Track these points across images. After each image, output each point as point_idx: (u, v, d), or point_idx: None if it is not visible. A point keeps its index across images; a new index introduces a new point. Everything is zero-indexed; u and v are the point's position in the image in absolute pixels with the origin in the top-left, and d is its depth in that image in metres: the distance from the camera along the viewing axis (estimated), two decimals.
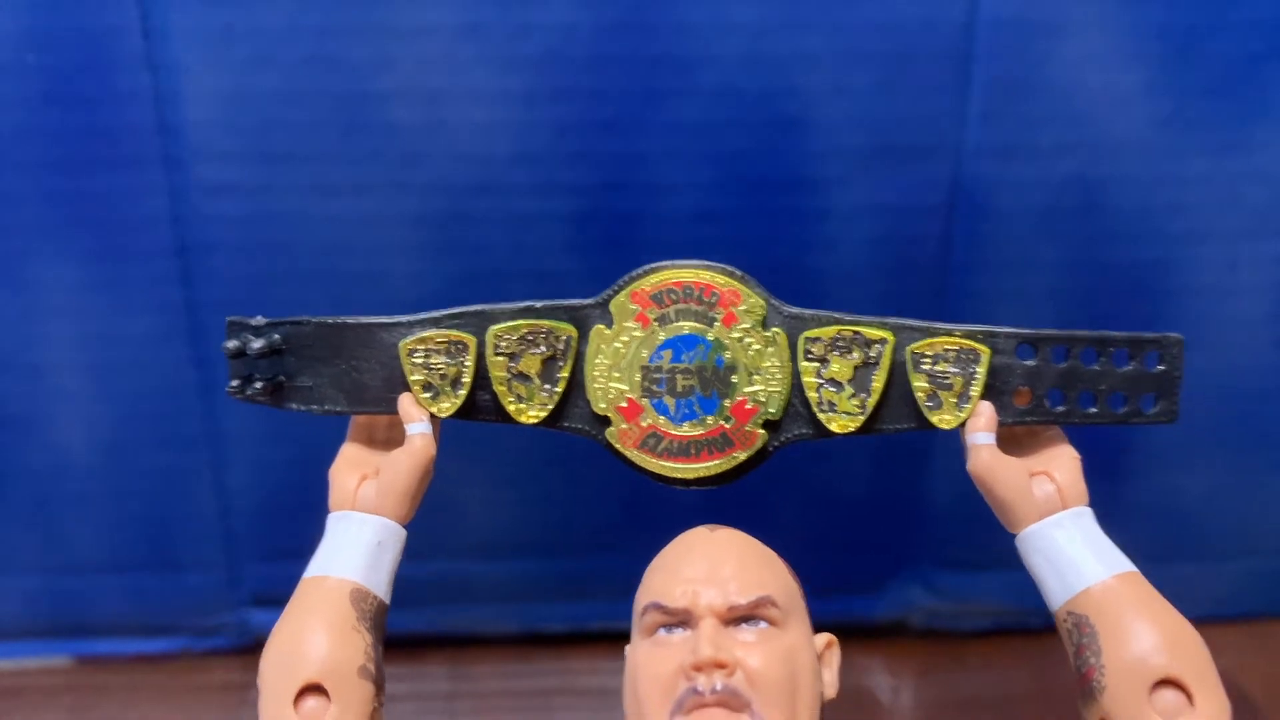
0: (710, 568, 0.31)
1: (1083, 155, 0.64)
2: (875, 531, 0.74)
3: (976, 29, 0.62)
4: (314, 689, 0.33)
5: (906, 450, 0.72)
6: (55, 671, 0.74)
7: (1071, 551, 0.35)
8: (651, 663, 0.30)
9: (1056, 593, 0.35)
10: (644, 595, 0.32)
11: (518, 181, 0.63)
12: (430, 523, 0.70)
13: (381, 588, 0.35)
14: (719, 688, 0.29)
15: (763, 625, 0.31)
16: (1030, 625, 0.76)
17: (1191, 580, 0.76)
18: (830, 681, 0.33)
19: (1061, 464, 0.37)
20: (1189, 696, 0.32)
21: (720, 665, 0.30)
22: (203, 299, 0.64)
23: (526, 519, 0.72)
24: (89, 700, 0.73)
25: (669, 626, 0.31)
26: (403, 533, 0.36)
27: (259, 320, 0.39)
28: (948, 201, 0.65)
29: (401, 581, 0.67)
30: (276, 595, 0.71)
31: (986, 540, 0.74)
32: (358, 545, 0.35)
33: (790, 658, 0.31)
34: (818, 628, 0.75)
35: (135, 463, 0.69)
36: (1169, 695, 0.32)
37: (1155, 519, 0.74)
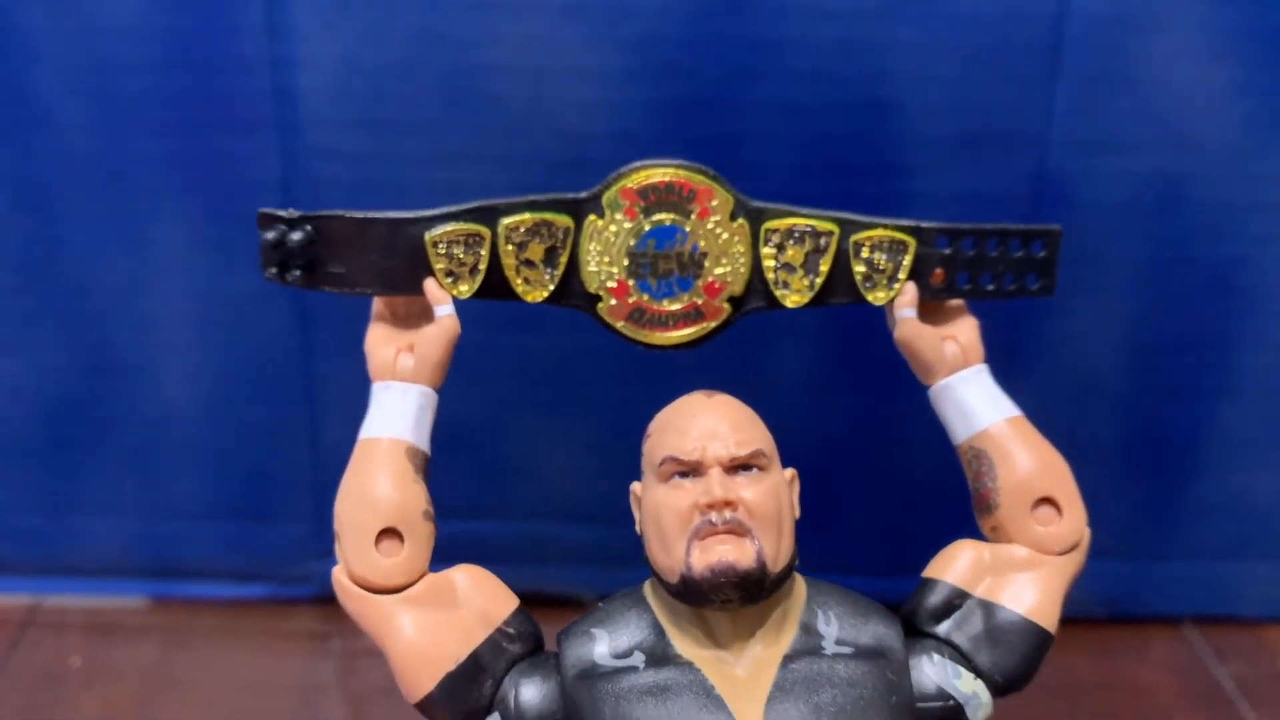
0: (714, 427, 0.39)
1: (1166, 151, 0.65)
2: (943, 516, 0.75)
3: (1067, 22, 0.63)
4: (388, 533, 0.39)
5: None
6: (149, 611, 0.78)
7: (973, 400, 0.43)
8: (671, 501, 0.38)
9: (960, 431, 0.43)
10: (660, 449, 0.39)
11: (612, 158, 0.65)
12: (514, 485, 0.75)
13: (426, 445, 0.42)
14: (728, 518, 0.37)
15: (755, 471, 0.38)
16: (1093, 615, 0.77)
17: (1262, 578, 0.77)
18: (795, 505, 0.41)
19: (965, 329, 0.44)
20: (1059, 510, 0.42)
21: (728, 503, 0.37)
22: None
23: (602, 486, 0.74)
24: (179, 640, 0.76)
25: (682, 474, 0.38)
26: (437, 397, 0.42)
27: (291, 213, 0.43)
28: (1032, 191, 0.66)
29: (484, 539, 0.70)
30: None
31: None
32: (405, 410, 0.41)
33: (776, 493, 0.39)
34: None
35: (235, 416, 0.72)
36: (1045, 510, 0.42)
37: (1226, 516, 0.75)
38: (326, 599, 0.79)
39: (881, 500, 0.75)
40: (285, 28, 0.63)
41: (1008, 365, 0.72)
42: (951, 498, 0.76)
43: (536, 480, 0.73)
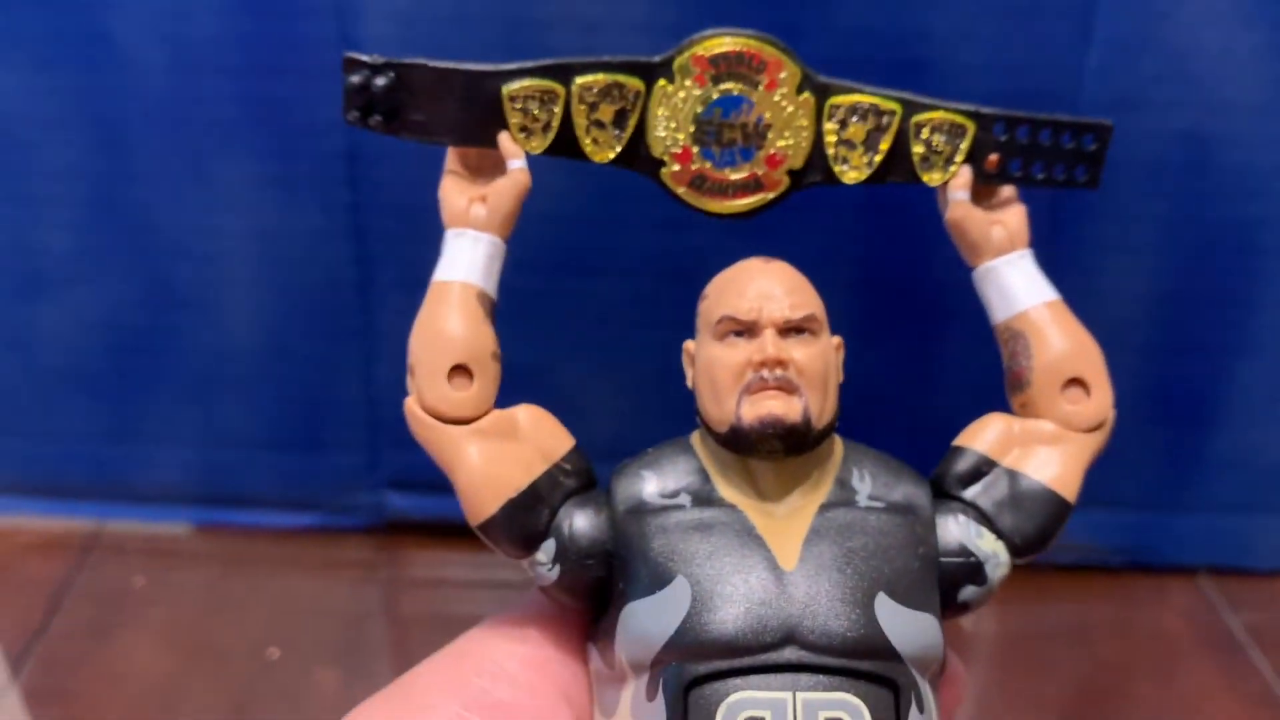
0: (771, 290, 0.40)
1: (1194, 112, 0.67)
2: None
3: None
4: (459, 369, 0.41)
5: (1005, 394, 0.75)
6: (206, 536, 0.81)
7: (1015, 282, 0.43)
8: (726, 357, 0.40)
9: (1000, 312, 0.44)
10: (718, 308, 0.40)
11: None
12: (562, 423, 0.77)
13: (495, 291, 0.43)
14: (778, 376, 0.39)
15: (806, 334, 0.40)
16: (1111, 564, 0.80)
17: (1272, 532, 0.79)
18: (840, 370, 0.42)
19: (1013, 215, 0.45)
20: (1088, 391, 0.42)
21: (780, 362, 0.39)
22: (366, 202, 0.70)
23: (646, 426, 0.77)
24: (234, 564, 0.79)
25: (738, 333, 0.40)
26: (505, 248, 0.43)
27: (376, 58, 0.43)
28: None
29: None
30: (411, 480, 0.78)
31: None
32: (476, 257, 0.42)
33: (824, 357, 0.40)
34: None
35: (293, 350, 0.75)
36: (1074, 390, 0.43)
37: (1242, 471, 0.77)
38: (376, 529, 0.83)
39: (913, 450, 0.77)
40: None
41: None
42: None
43: (583, 420, 0.76)
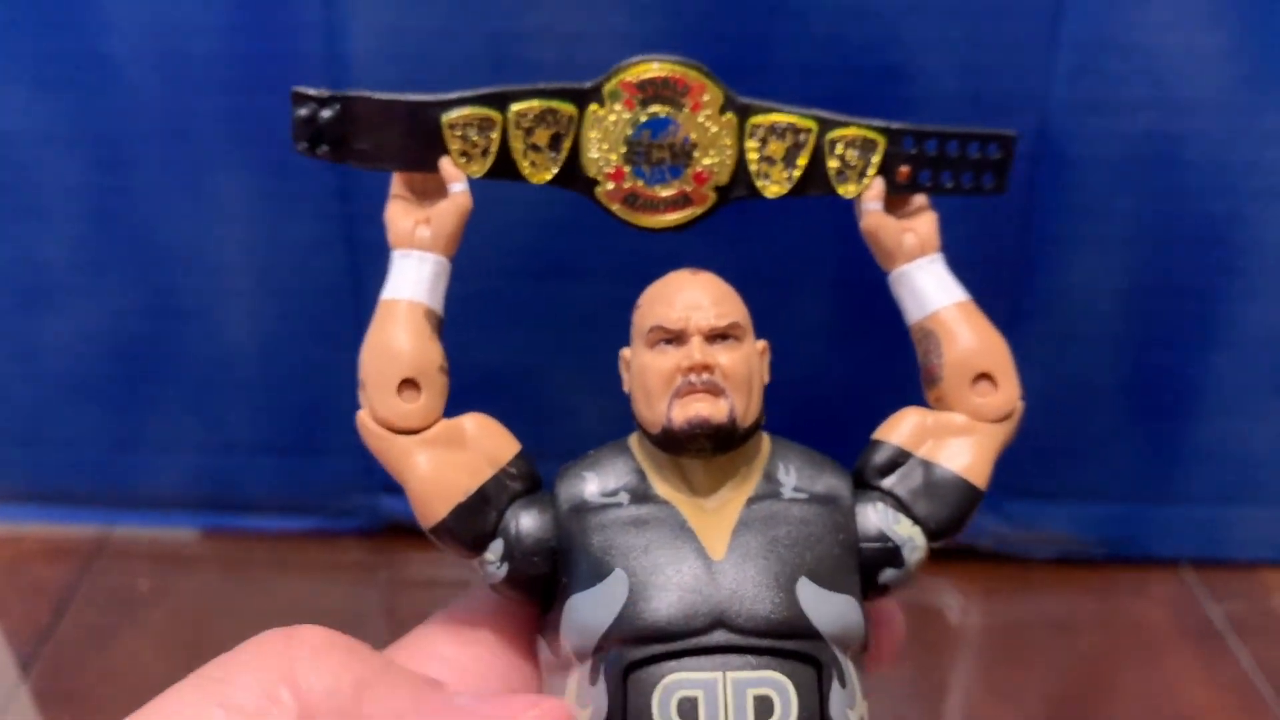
0: (697, 300, 0.43)
1: (1163, 111, 0.68)
2: None
3: None
4: (408, 383, 0.43)
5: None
6: (207, 541, 0.83)
7: (926, 285, 0.46)
8: (656, 364, 0.42)
9: (913, 313, 0.46)
10: (649, 318, 0.43)
11: None
12: (549, 428, 0.79)
13: (440, 308, 0.45)
14: (705, 380, 0.41)
15: (731, 340, 0.43)
16: (1093, 556, 0.81)
17: (1255, 522, 0.80)
18: (765, 372, 0.45)
19: (924, 222, 0.47)
20: (995, 384, 0.45)
21: (706, 366, 0.42)
22: (358, 213, 0.72)
23: (627, 426, 0.78)
24: (235, 568, 0.81)
25: (667, 340, 0.42)
26: (450, 266, 0.45)
27: (322, 92, 0.45)
28: (1033, 151, 0.69)
29: None
30: None
31: (1057, 473, 0.80)
32: (422, 276, 0.44)
33: (748, 361, 0.43)
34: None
35: (290, 356, 0.77)
36: (983, 384, 0.45)
37: (1221, 463, 0.78)
38: (373, 532, 0.85)
39: None
40: None
41: (1013, 314, 0.77)
42: None
43: (572, 422, 0.78)
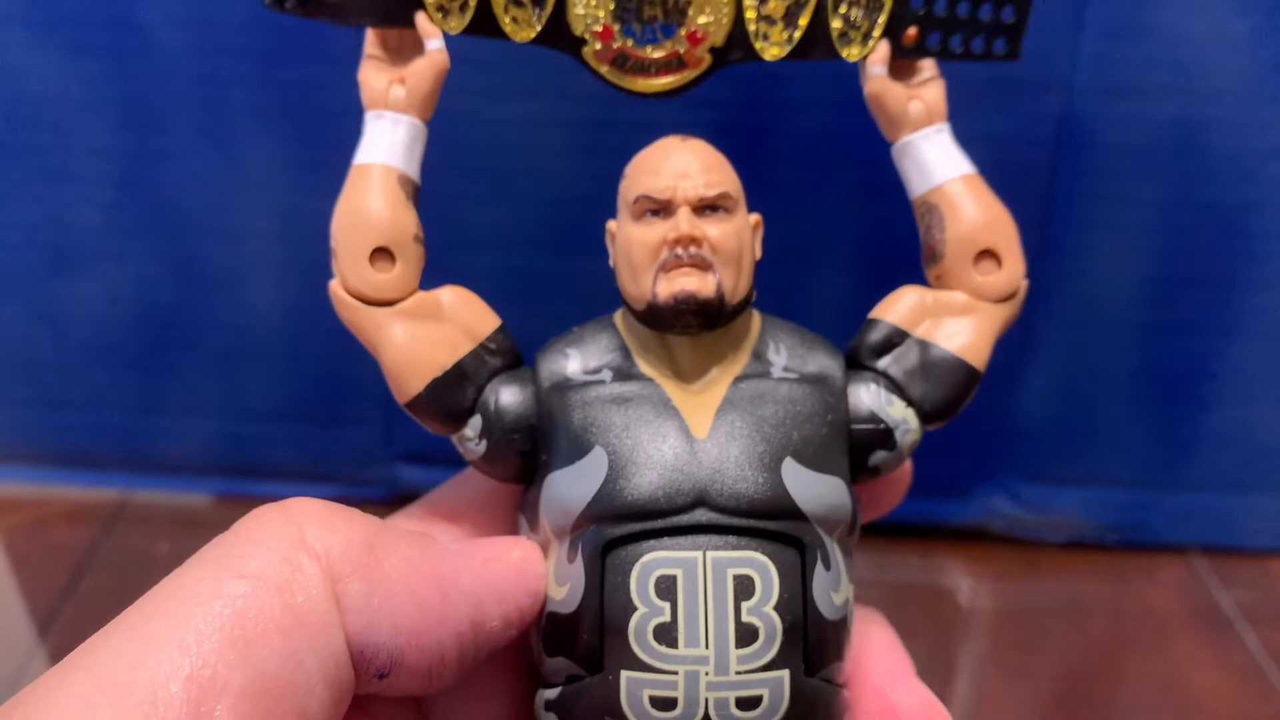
0: (686, 168, 0.41)
1: (1186, 98, 0.68)
2: (967, 441, 0.80)
3: None
4: (381, 251, 0.42)
5: (1002, 365, 0.77)
6: (226, 506, 0.83)
7: (931, 156, 0.44)
8: (642, 236, 0.41)
9: (917, 186, 0.44)
10: (634, 188, 0.41)
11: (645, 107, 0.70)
12: None
13: (416, 174, 0.43)
14: (692, 253, 0.40)
15: (721, 212, 0.41)
16: (1105, 542, 0.82)
17: (1267, 511, 0.80)
18: (758, 247, 0.43)
19: (931, 90, 0.45)
20: (999, 262, 0.43)
21: (693, 239, 0.40)
22: None
23: None
24: None
25: (654, 212, 0.41)
26: (426, 130, 0.43)
27: None
28: (1056, 135, 0.70)
29: None
30: (424, 454, 0.80)
31: (1071, 458, 0.80)
32: (396, 139, 0.43)
33: (738, 234, 0.41)
34: (906, 528, 0.81)
35: (312, 325, 0.77)
36: (986, 262, 0.43)
37: (1234, 451, 0.79)
38: (392, 500, 0.85)
39: None
40: None
41: (1031, 297, 0.76)
42: (975, 425, 0.80)
43: None
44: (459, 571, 0.38)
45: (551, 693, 0.40)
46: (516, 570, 0.39)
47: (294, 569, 0.35)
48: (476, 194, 0.73)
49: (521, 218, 0.74)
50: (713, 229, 0.40)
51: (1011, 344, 0.76)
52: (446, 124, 0.70)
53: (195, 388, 0.80)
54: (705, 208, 0.41)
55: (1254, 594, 0.78)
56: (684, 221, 0.40)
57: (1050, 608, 0.80)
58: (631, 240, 0.41)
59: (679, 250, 0.40)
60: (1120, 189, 0.71)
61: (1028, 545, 0.82)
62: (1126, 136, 0.70)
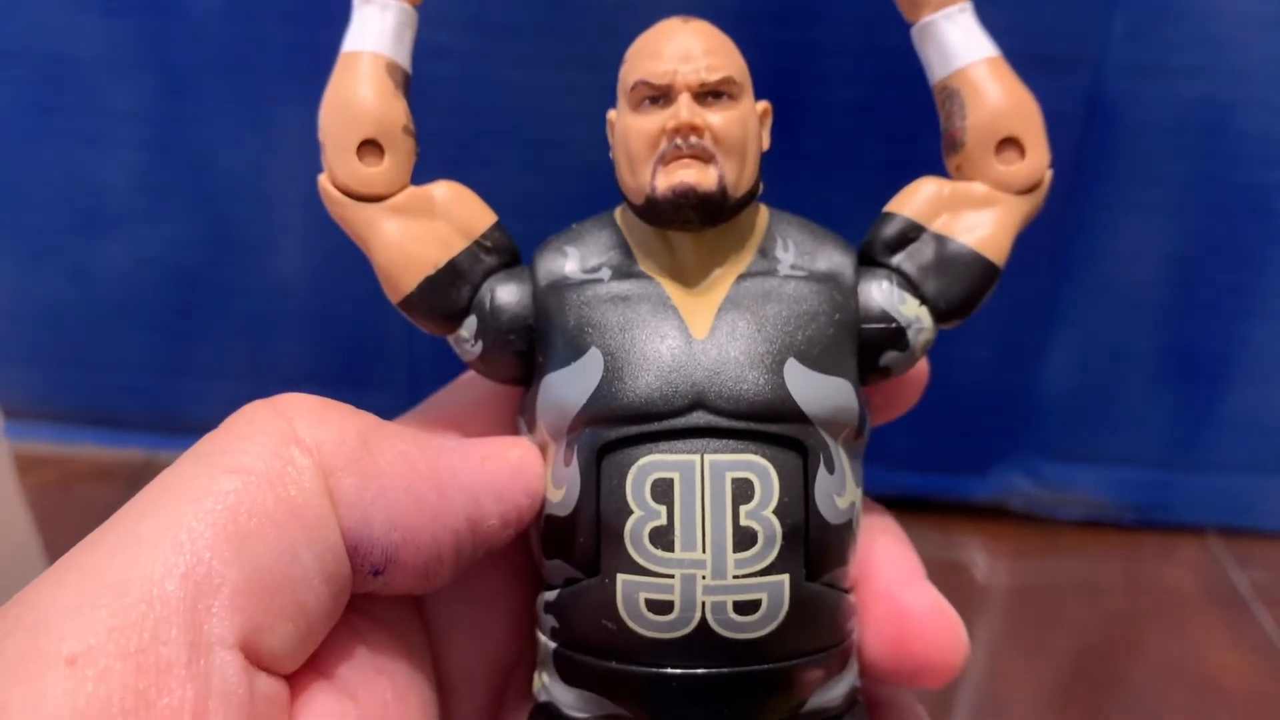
0: (686, 52, 0.38)
1: (1215, 78, 0.69)
2: (986, 418, 0.80)
3: None
4: (369, 143, 0.39)
5: (1023, 342, 0.78)
6: None
7: (953, 38, 0.41)
8: (640, 125, 0.38)
9: (938, 70, 0.42)
10: (632, 74, 0.39)
11: None
12: None
13: (407, 62, 0.41)
14: (693, 144, 0.38)
15: (725, 99, 0.38)
16: (1122, 521, 0.82)
17: None
18: (765, 137, 0.40)
19: None
20: (1022, 151, 0.41)
21: (694, 128, 0.38)
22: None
23: None
24: None
25: (653, 99, 0.38)
26: (416, 15, 0.41)
27: None
28: (1085, 112, 0.70)
29: None
30: None
31: (1090, 436, 0.80)
32: (384, 26, 0.40)
33: (743, 122, 0.39)
34: (925, 503, 0.81)
35: (339, 291, 0.78)
36: (1009, 151, 0.41)
37: (1253, 432, 0.79)
38: None
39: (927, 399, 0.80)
40: None
41: (1056, 275, 0.78)
42: (994, 402, 0.81)
43: None
44: (456, 468, 0.37)
45: (551, 595, 0.39)
46: (514, 469, 0.38)
47: (286, 463, 0.34)
48: (508, 161, 0.73)
49: (550, 185, 0.74)
50: (715, 117, 0.38)
51: (1033, 321, 0.77)
52: (476, 92, 0.72)
53: (222, 350, 0.81)
54: (708, 94, 0.38)
55: (1270, 574, 0.79)
56: (684, 109, 0.38)
57: (1067, 585, 0.80)
58: (629, 130, 0.39)
59: (678, 140, 0.38)
60: (1147, 168, 0.71)
61: (1045, 523, 0.83)
62: (1155, 116, 0.70)
